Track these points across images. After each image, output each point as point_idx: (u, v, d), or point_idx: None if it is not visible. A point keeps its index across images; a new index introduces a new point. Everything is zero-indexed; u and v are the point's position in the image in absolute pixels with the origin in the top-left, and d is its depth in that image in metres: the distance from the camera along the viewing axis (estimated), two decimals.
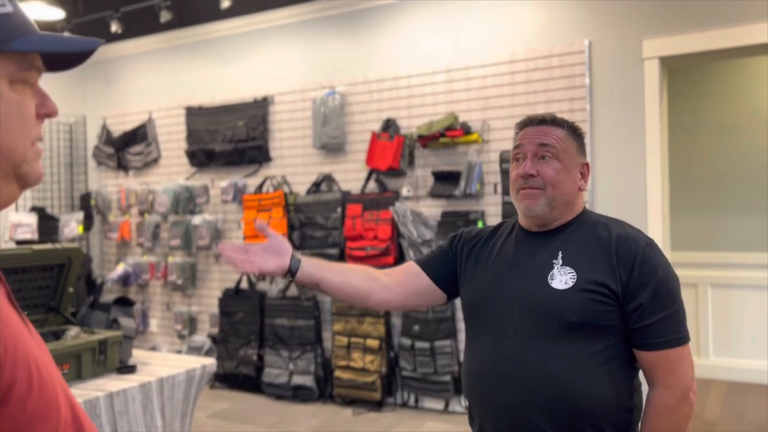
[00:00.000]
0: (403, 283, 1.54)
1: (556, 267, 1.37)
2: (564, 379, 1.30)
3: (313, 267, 1.46)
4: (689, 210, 5.00)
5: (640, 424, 1.37)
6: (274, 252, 1.41)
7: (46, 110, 0.71)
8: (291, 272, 1.42)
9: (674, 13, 3.68)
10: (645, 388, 1.41)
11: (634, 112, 3.77)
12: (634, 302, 1.32)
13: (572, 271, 1.36)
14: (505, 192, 4.03)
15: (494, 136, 4.14)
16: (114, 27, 4.80)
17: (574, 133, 1.46)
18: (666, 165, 3.93)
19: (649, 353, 1.33)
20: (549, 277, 1.37)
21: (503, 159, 4.03)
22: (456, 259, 1.55)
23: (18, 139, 0.68)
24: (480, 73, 4.18)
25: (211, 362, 2.88)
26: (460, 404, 4.23)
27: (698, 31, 3.60)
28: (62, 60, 0.73)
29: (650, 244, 1.37)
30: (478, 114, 4.18)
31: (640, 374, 1.42)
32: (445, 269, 1.55)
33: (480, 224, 4.08)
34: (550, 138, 1.41)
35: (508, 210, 4.01)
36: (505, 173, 4.02)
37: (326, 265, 1.51)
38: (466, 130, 4.06)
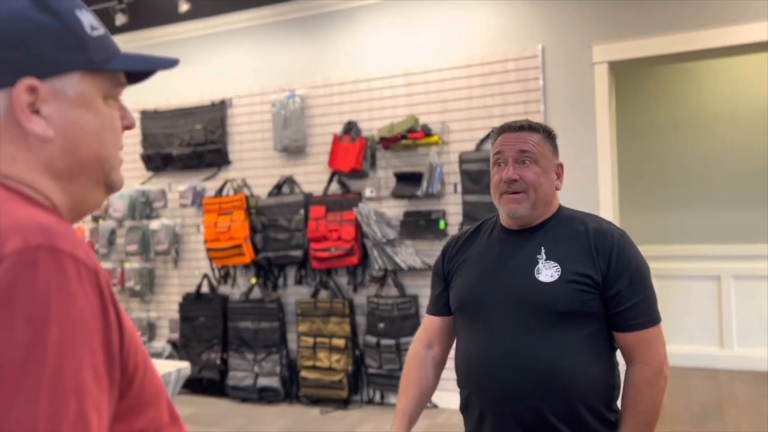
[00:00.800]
0: (443, 338, 1.69)
1: (540, 262, 1.49)
2: (557, 364, 1.42)
3: (412, 422, 1.59)
4: (636, 206, 5.26)
5: (620, 399, 1.51)
6: None
7: (126, 122, 0.78)
8: None
9: (622, 21, 3.89)
10: (621, 367, 1.54)
11: (585, 114, 3.97)
12: (613, 289, 1.45)
13: (556, 264, 1.47)
14: (465, 191, 4.17)
15: (453, 137, 4.28)
16: None
17: (549, 136, 1.57)
18: (615, 163, 4.15)
19: (628, 334, 1.47)
20: (535, 272, 1.48)
21: (462, 160, 4.18)
22: (446, 276, 1.66)
23: (111, 149, 0.74)
24: (438, 77, 4.31)
25: (185, 366, 2.90)
26: None
27: (644, 37, 3.83)
28: (136, 75, 0.80)
29: (623, 235, 1.51)
30: (437, 116, 4.31)
31: (617, 354, 1.55)
32: (445, 299, 1.66)
33: (441, 223, 4.21)
34: (529, 143, 1.52)
35: (467, 209, 4.16)
36: (464, 173, 4.16)
37: (413, 408, 1.61)
38: (427, 132, 4.18)
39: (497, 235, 1.60)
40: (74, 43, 0.70)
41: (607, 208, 3.93)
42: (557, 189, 1.58)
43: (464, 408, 1.59)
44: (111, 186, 0.77)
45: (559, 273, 1.46)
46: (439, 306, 1.68)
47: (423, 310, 4.33)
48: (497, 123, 4.15)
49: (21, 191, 0.67)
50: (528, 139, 1.53)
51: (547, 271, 1.47)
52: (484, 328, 1.51)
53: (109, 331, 0.61)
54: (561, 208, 1.59)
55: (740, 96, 5.03)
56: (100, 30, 0.74)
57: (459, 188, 4.24)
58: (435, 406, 4.30)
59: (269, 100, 4.82)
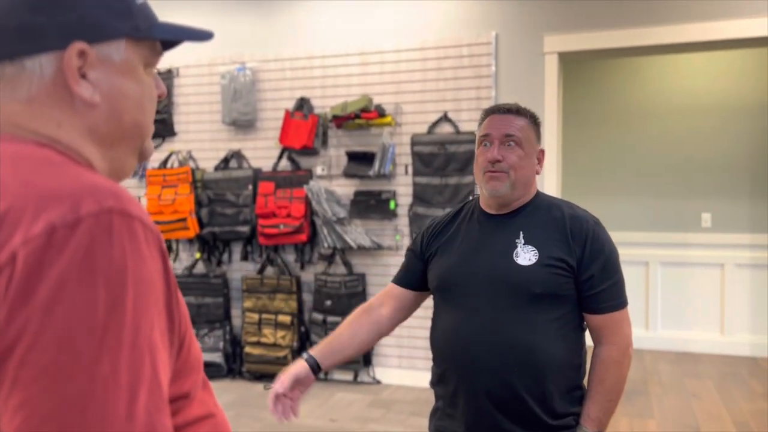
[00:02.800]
0: (397, 306, 1.72)
1: (519, 246, 1.55)
2: (530, 343, 1.49)
3: (329, 356, 1.65)
4: (574, 193, 5.47)
5: (587, 377, 1.60)
6: (297, 380, 1.61)
7: (159, 91, 0.78)
8: (316, 374, 1.62)
9: (572, 14, 4.02)
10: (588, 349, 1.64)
11: (534, 102, 4.08)
12: (587, 274, 1.53)
13: (534, 249, 1.54)
14: (416, 173, 4.24)
15: (406, 119, 4.32)
16: None
17: (534, 122, 1.63)
18: (560, 151, 4.31)
19: (599, 316, 1.55)
20: (514, 255, 1.54)
21: (414, 142, 4.23)
22: (423, 255, 1.70)
23: (149, 118, 0.75)
24: (393, 58, 4.33)
25: None
26: (368, 375, 4.43)
27: (594, 30, 3.97)
28: (165, 43, 0.80)
29: (597, 222, 1.59)
30: (390, 97, 4.34)
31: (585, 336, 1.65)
32: (417, 274, 1.70)
33: (392, 204, 4.26)
34: (514, 127, 1.58)
35: (417, 190, 4.23)
36: (416, 155, 4.23)
37: (337, 345, 1.67)
38: (381, 112, 4.21)
39: (477, 218, 1.65)
40: (123, 10, 0.70)
41: (550, 194, 4.08)
42: (537, 173, 1.63)
43: (437, 382, 1.64)
44: (143, 154, 0.78)
45: (537, 257, 1.52)
46: (405, 279, 1.72)
47: (370, 289, 4.40)
48: (450, 107, 4.23)
49: (71, 156, 0.67)
50: (514, 123, 1.58)
51: (525, 255, 1.53)
52: (462, 307, 1.57)
53: (170, 295, 0.63)
54: (538, 194, 1.65)
55: (673, 91, 5.30)
56: None
57: (410, 170, 4.30)
58: (378, 382, 4.39)
59: (218, 71, 4.72)
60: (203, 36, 0.78)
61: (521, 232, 1.56)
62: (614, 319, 1.55)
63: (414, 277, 1.71)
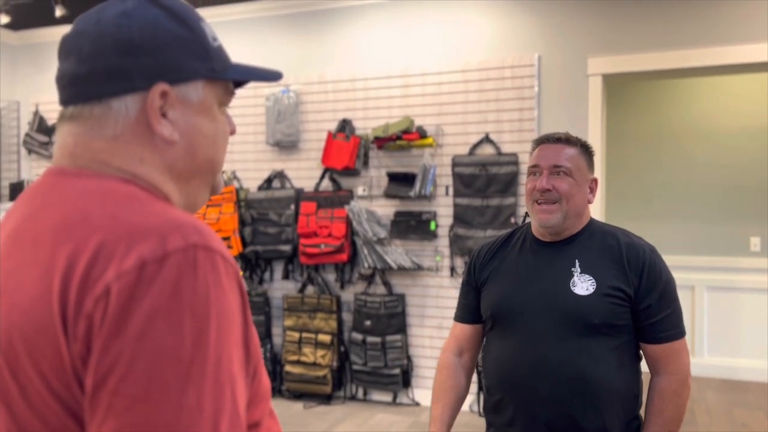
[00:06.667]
0: (472, 346, 1.74)
1: (575, 275, 1.54)
2: (591, 373, 1.49)
3: (448, 425, 1.63)
4: (618, 215, 5.40)
5: (644, 408, 1.58)
6: None
7: (231, 128, 0.81)
8: None
9: (617, 36, 4.00)
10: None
11: (578, 124, 4.07)
12: (644, 303, 1.52)
13: (591, 278, 1.53)
14: (456, 194, 4.24)
15: (447, 140, 4.34)
16: (59, 12, 4.63)
17: (586, 151, 1.63)
18: (604, 173, 4.27)
19: (657, 346, 1.54)
20: (571, 284, 1.54)
21: (455, 163, 4.25)
22: (477, 282, 1.71)
23: (221, 154, 0.78)
24: (435, 80, 4.37)
25: None
26: (407, 396, 4.41)
27: (638, 52, 3.94)
28: (235, 83, 0.83)
29: (653, 250, 1.58)
30: (432, 119, 4.37)
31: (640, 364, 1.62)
32: (475, 307, 1.71)
33: (432, 225, 4.27)
34: (565, 156, 1.58)
35: (458, 212, 4.23)
36: (457, 176, 4.24)
37: (449, 412, 1.65)
38: (422, 133, 4.24)
39: (530, 246, 1.64)
40: (201, 53, 0.74)
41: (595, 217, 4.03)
42: (589, 203, 1.63)
43: (492, 410, 1.63)
44: (215, 189, 0.81)
45: (594, 286, 1.51)
46: (469, 314, 1.72)
47: (410, 309, 4.40)
48: (492, 128, 4.23)
49: (152, 191, 0.71)
50: (565, 152, 1.58)
51: (583, 284, 1.52)
52: (518, 336, 1.56)
53: (247, 327, 0.65)
54: (591, 221, 1.65)
55: (721, 113, 5.20)
56: (218, 41, 0.77)
57: (450, 191, 4.30)
58: (417, 404, 4.37)
59: (263, 93, 4.83)
60: (273, 77, 0.81)
61: (577, 261, 1.56)
62: (673, 349, 1.54)
63: (468, 312, 1.72)
